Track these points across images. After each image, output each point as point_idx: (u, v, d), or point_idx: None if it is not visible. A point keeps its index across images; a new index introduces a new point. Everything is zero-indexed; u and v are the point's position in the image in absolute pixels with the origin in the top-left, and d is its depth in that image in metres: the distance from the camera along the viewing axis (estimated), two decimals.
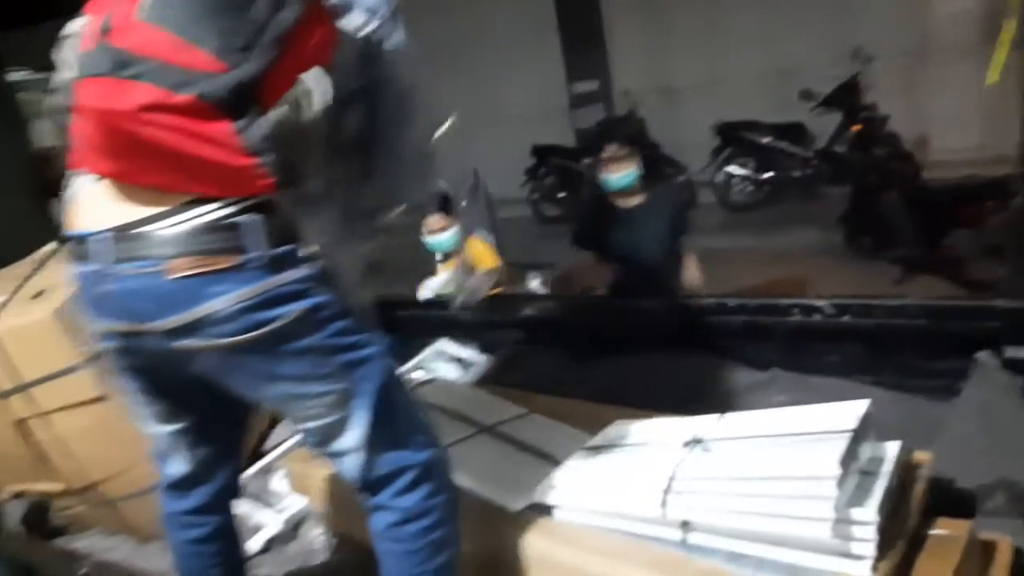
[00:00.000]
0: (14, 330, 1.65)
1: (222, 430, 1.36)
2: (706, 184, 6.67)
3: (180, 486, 1.36)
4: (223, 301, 1.04)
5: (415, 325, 2.75)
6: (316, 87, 1.03)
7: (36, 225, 1.98)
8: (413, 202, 1.43)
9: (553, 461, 1.57)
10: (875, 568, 1.13)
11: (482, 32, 7.79)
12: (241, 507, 1.88)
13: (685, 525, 1.29)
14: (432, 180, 1.45)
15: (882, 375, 1.91)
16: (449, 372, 2.48)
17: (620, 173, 2.72)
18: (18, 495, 2.00)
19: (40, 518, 2.00)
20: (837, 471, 1.14)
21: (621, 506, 1.35)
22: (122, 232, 1.06)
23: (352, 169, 1.20)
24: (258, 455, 2.07)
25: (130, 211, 1.06)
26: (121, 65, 0.97)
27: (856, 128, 5.81)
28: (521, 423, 1.77)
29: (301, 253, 1.09)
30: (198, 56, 0.97)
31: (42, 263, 2.01)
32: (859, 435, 1.24)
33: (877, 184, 4.91)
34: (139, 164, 1.04)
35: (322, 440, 1.19)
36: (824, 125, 6.14)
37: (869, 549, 1.14)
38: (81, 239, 1.11)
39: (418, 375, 2.38)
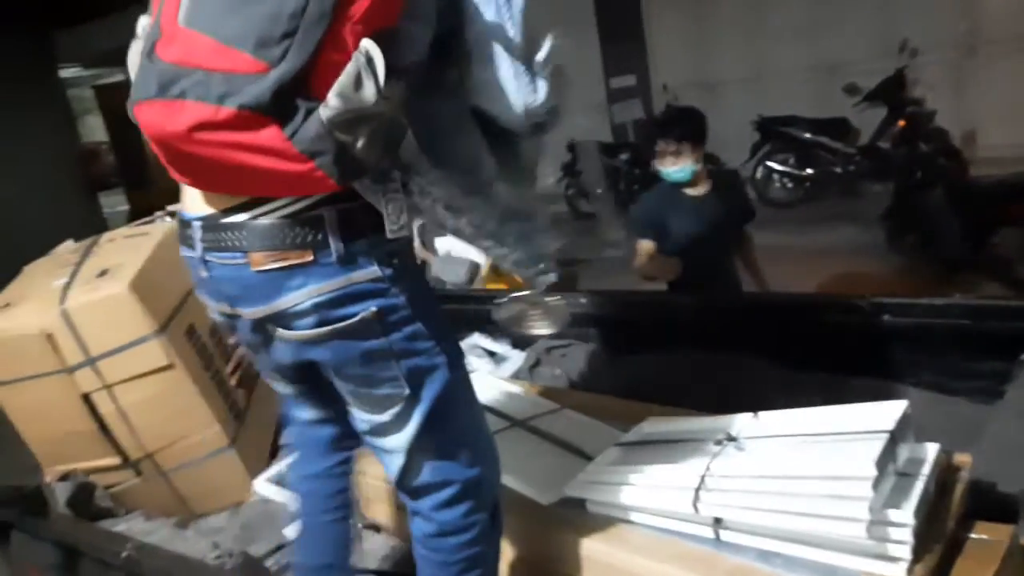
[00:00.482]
0: (87, 305, 1.75)
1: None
2: (745, 180, 6.58)
3: (301, 428, 1.41)
4: (298, 296, 1.05)
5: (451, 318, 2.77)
6: (376, 58, 0.91)
7: (84, 218, 2.05)
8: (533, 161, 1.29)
9: (585, 456, 1.57)
10: (911, 571, 1.12)
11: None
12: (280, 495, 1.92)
13: (717, 522, 1.28)
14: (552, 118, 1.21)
15: (923, 376, 1.88)
16: (482, 366, 2.49)
17: (676, 167, 2.69)
18: (64, 477, 2.07)
19: (85, 500, 2.06)
20: (872, 472, 1.12)
21: (653, 502, 1.35)
22: (209, 222, 1.08)
23: (445, 144, 1.16)
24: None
25: (215, 201, 1.08)
26: (167, 84, 0.93)
27: (901, 124, 5.69)
28: (553, 418, 1.77)
29: (377, 249, 1.06)
30: (237, 59, 0.91)
31: (89, 248, 2.07)
32: (896, 436, 1.22)
33: (922, 181, 4.81)
34: (205, 178, 1.04)
35: (371, 433, 1.18)
36: (869, 120, 6.02)
37: (905, 551, 1.12)
38: (185, 222, 1.14)
39: None
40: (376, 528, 1.77)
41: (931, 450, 1.28)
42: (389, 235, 1.06)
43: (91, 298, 1.74)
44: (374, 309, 1.06)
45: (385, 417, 1.14)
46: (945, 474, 1.29)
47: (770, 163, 6.51)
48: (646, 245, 2.79)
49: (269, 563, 1.76)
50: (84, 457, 1.94)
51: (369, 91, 0.92)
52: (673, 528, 1.33)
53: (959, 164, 5.26)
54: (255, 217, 1.04)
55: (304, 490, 1.45)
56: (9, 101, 7.90)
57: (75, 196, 8.31)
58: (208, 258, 1.10)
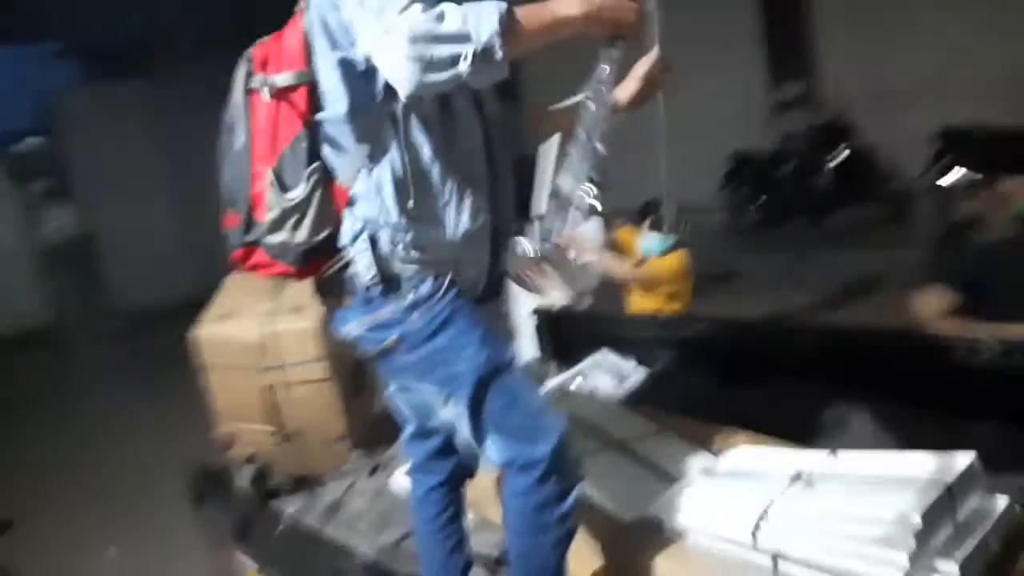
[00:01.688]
0: (289, 331, 2.48)
1: None
2: (924, 194, 6.16)
3: (418, 436, 1.62)
4: (352, 328, 1.43)
5: (581, 335, 2.94)
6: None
7: None
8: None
9: (671, 479, 1.70)
10: None
11: (679, 32, 7.61)
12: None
13: (777, 555, 1.37)
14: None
15: None
16: (606, 383, 2.64)
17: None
18: (250, 459, 2.50)
19: (262, 481, 2.47)
20: (916, 522, 1.18)
21: (720, 529, 1.46)
22: None
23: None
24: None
25: None
26: None
27: None
28: (651, 440, 1.90)
29: (400, 285, 1.34)
30: None
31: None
32: (956, 488, 1.25)
33: None
34: None
35: (451, 429, 1.46)
36: None
37: None
38: None
39: (577, 382, 2.58)
40: (490, 524, 1.98)
41: (1000, 503, 1.29)
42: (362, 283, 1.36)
43: (292, 327, 2.47)
44: (395, 336, 1.36)
45: (443, 411, 1.41)
46: (1015, 530, 1.29)
47: (953, 176, 6.03)
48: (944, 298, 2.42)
49: (402, 546, 2.03)
50: (253, 421, 2.57)
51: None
52: (736, 556, 1.43)
53: None
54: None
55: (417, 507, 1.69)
56: None
57: None
58: None
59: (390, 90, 1.22)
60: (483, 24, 1.13)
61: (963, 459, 1.31)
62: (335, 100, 1.30)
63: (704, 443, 1.87)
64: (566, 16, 1.21)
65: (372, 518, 2.20)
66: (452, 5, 1.15)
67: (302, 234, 1.36)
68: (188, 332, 2.57)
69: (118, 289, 9.08)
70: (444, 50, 1.12)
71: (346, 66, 1.28)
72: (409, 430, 1.66)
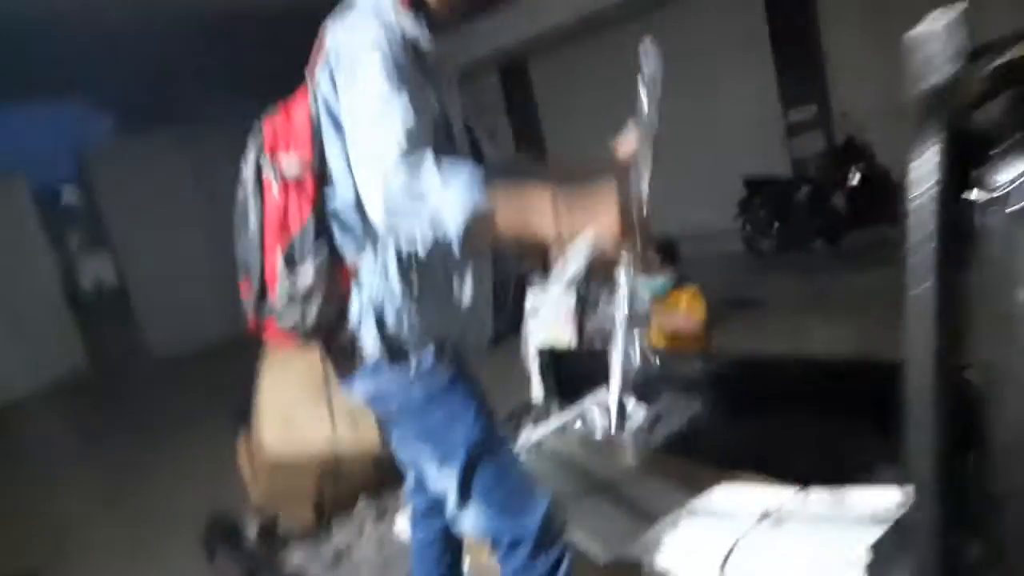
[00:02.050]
0: (353, 445, 2.63)
1: None
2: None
3: (421, 485, 1.67)
4: (359, 393, 1.49)
5: (579, 373, 2.98)
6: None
7: None
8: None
9: (650, 519, 1.73)
10: None
11: (689, 54, 7.18)
12: None
13: None
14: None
15: None
16: (604, 421, 2.67)
17: None
18: (258, 510, 2.58)
19: (271, 531, 2.55)
20: (868, 557, 1.20)
21: (691, 569, 1.49)
22: None
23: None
24: None
25: None
26: None
27: None
28: (635, 481, 1.94)
29: (405, 356, 1.38)
30: None
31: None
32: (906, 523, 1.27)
33: None
34: None
35: (432, 485, 1.50)
36: None
37: None
38: None
39: (576, 421, 2.62)
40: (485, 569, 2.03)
41: None
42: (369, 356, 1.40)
43: (355, 450, 2.59)
44: (399, 403, 1.44)
45: (434, 472, 1.45)
46: None
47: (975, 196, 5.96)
48: None
49: None
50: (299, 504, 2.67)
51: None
52: None
53: None
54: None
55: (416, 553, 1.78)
56: None
57: None
58: None
59: None
60: (449, 219, 1.15)
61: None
62: (343, 186, 1.34)
63: (687, 482, 1.89)
64: (537, 232, 1.20)
65: (375, 565, 2.26)
66: (433, 171, 1.16)
67: (311, 318, 1.38)
68: (240, 428, 2.70)
69: (151, 338, 9.31)
70: (410, 225, 1.18)
71: None
72: (411, 478, 1.74)
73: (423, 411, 1.42)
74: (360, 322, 1.39)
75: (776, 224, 7.19)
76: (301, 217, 1.35)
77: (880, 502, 1.38)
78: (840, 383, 2.26)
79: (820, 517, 1.43)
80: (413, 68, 1.27)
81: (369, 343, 1.38)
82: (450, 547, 1.76)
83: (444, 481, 1.44)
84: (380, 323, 1.37)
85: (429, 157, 1.17)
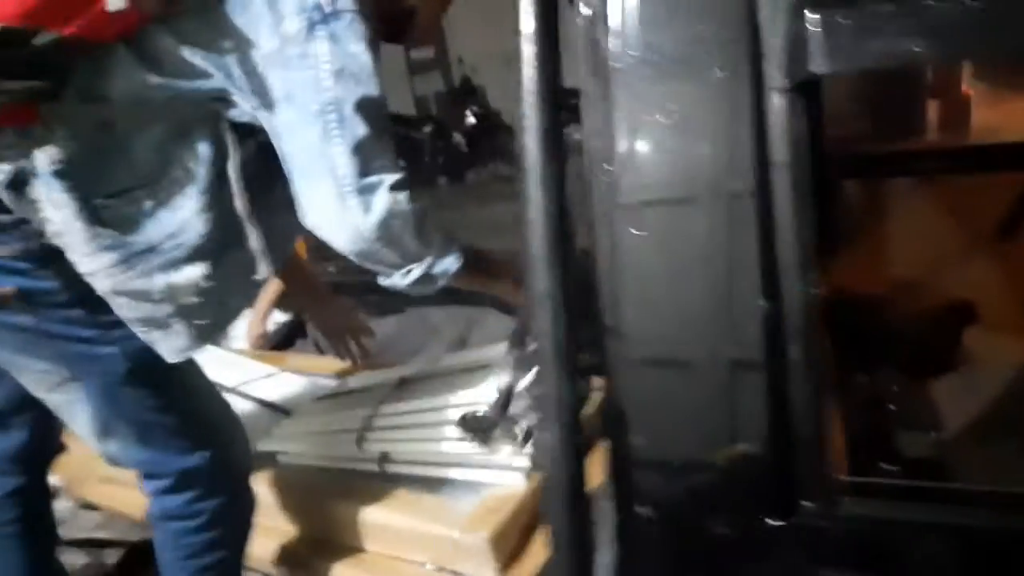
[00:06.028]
0: None
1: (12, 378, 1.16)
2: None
3: None
4: None
5: None
6: None
7: None
8: None
9: (285, 413, 1.65)
10: (528, 477, 1.30)
11: None
12: None
13: (384, 458, 1.40)
14: None
15: None
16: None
17: None
18: None
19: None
20: (493, 396, 1.28)
21: (329, 447, 1.46)
22: None
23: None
24: None
25: None
26: None
27: None
28: (267, 381, 1.83)
29: (21, 227, 0.96)
30: None
31: None
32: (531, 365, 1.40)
33: None
34: None
35: (62, 416, 1.15)
36: None
37: (524, 461, 1.30)
38: None
39: None
40: (91, 507, 1.76)
41: None
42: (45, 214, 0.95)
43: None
44: (10, 288, 0.99)
45: (55, 396, 1.10)
46: (582, 395, 1.48)
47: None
48: None
49: None
50: None
51: None
52: (348, 467, 1.44)
53: None
54: None
55: None
56: None
57: None
58: None
59: None
60: (444, 259, 1.07)
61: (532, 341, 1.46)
62: None
63: (327, 375, 1.85)
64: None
65: None
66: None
67: None
68: None
69: None
70: (393, 257, 1.03)
71: None
72: None
73: (56, 303, 1.03)
74: None
75: (402, 161, 7.39)
76: None
77: (488, 355, 1.48)
78: None
79: (446, 375, 1.48)
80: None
81: None
82: (36, 494, 1.34)
83: (61, 401, 1.11)
84: None
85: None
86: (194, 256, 1.01)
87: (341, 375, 1.83)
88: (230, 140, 1.02)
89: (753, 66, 0.64)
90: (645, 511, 0.74)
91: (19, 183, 0.93)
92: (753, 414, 0.67)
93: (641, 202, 0.69)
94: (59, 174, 0.93)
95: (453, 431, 1.31)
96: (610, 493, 0.78)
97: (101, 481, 1.69)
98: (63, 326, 1.03)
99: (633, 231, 0.69)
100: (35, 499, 1.32)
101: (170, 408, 1.10)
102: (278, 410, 1.68)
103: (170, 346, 1.04)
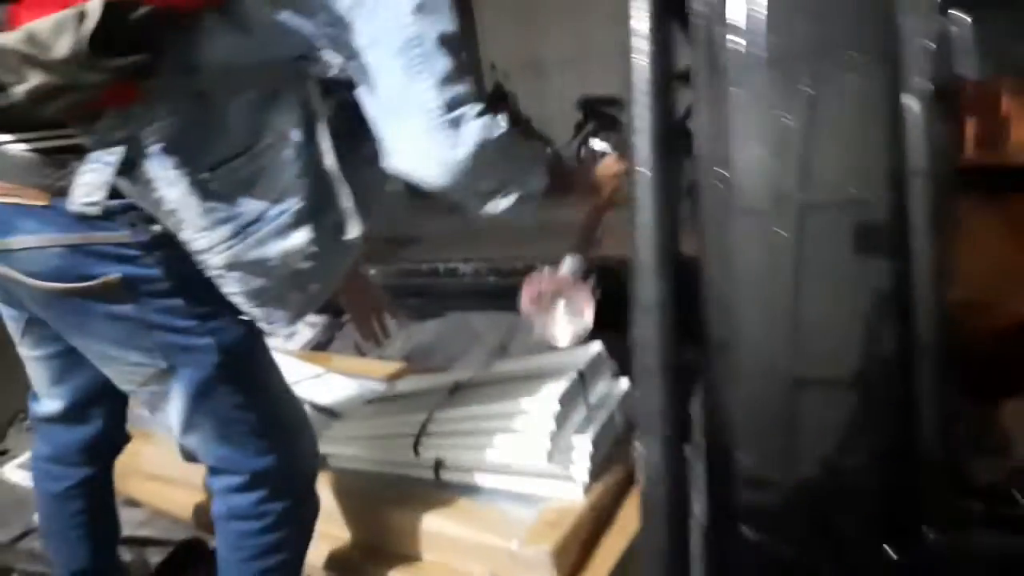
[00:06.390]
0: None
1: (94, 367, 1.12)
2: (571, 157, 6.86)
3: (46, 426, 1.25)
4: (30, 240, 0.95)
5: None
6: (91, 18, 0.79)
7: None
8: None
9: (334, 415, 1.63)
10: (588, 491, 1.26)
11: None
12: None
13: (439, 464, 1.38)
14: None
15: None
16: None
17: None
18: None
19: None
20: (555, 406, 1.26)
21: (383, 452, 1.43)
22: None
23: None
24: None
25: None
26: None
27: None
28: (313, 383, 1.81)
29: (134, 212, 0.94)
30: None
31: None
32: (587, 374, 1.37)
33: None
34: None
35: (149, 407, 1.12)
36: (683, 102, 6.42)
37: (584, 474, 1.27)
38: None
39: None
40: (133, 503, 1.75)
41: (623, 385, 1.43)
42: (69, 205, 0.91)
43: None
44: (117, 276, 0.96)
45: (149, 389, 1.06)
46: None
47: (592, 143, 6.79)
48: None
49: (18, 548, 1.71)
50: None
51: (62, 45, 0.80)
52: (402, 473, 1.41)
53: None
54: (4, 143, 0.93)
55: (47, 507, 1.32)
56: None
57: None
58: None
59: None
60: (536, 177, 1.09)
61: (592, 348, 1.43)
62: None
63: (372, 378, 1.83)
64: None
65: None
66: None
67: None
68: None
69: None
70: (489, 184, 1.04)
71: None
72: (52, 411, 1.26)
73: (157, 292, 1.01)
74: None
75: None
76: None
77: (551, 361, 1.45)
78: None
79: (503, 382, 1.46)
80: None
81: None
82: (103, 485, 1.35)
83: (149, 393, 1.07)
84: None
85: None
86: (300, 221, 1.00)
87: (388, 378, 1.81)
88: (316, 99, 1.01)
89: (889, 68, 0.61)
90: (749, 532, 0.70)
91: (130, 165, 0.91)
92: (878, 433, 0.64)
93: (761, 209, 0.65)
94: (167, 150, 0.92)
95: (511, 439, 1.29)
96: (704, 511, 0.75)
97: (146, 478, 1.68)
98: (163, 316, 1.00)
99: (751, 239, 0.66)
100: (102, 491, 1.32)
101: (252, 406, 1.09)
102: (327, 412, 1.66)
103: (282, 316, 1.04)
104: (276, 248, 0.99)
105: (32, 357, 1.21)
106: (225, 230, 0.95)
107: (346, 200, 1.03)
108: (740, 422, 0.69)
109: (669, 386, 0.71)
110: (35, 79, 0.81)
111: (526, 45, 7.48)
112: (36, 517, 1.72)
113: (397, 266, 2.81)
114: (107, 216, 0.93)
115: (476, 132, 0.97)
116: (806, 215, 0.64)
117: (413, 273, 2.76)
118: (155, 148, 0.91)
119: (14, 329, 1.18)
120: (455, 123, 0.97)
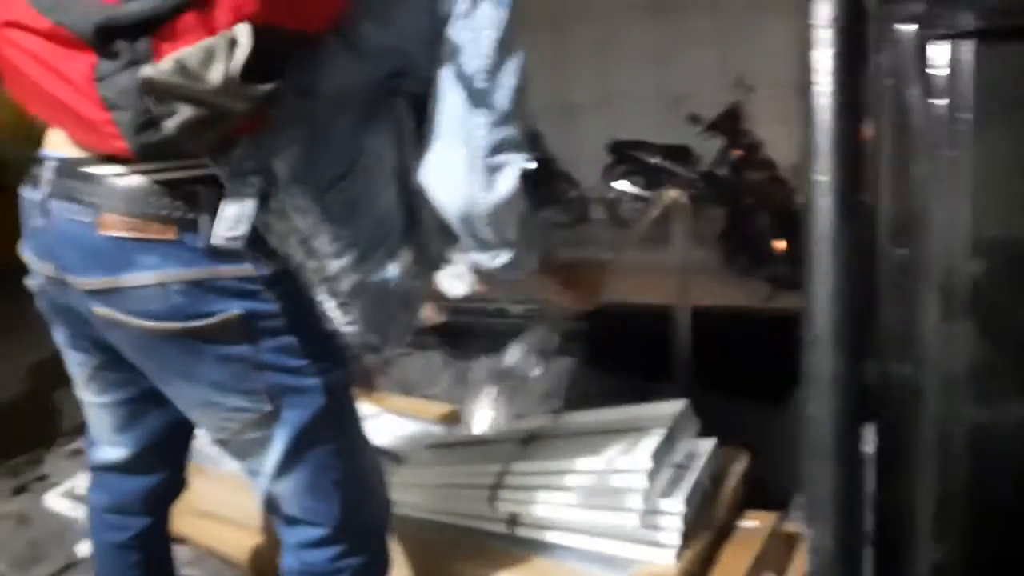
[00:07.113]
0: None
1: (165, 414, 1.09)
2: (598, 200, 6.87)
3: (106, 475, 1.18)
4: (149, 276, 0.89)
5: None
6: (242, 45, 0.77)
7: None
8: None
9: (397, 459, 1.58)
10: (679, 556, 1.20)
11: None
12: None
13: (513, 519, 1.32)
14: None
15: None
16: None
17: None
18: None
19: None
20: (648, 464, 1.20)
21: (454, 503, 1.38)
22: (66, 165, 0.91)
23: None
24: None
25: (83, 143, 0.90)
26: None
27: (737, 152, 6.12)
28: (371, 423, 1.76)
29: (258, 244, 0.90)
30: None
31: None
32: (674, 432, 1.31)
33: (751, 206, 5.19)
34: (15, 88, 0.87)
35: (238, 455, 1.05)
36: (708, 148, 6.44)
37: (675, 538, 1.21)
38: (40, 160, 0.96)
39: None
40: (180, 540, 1.68)
41: (707, 444, 1.38)
42: (213, 239, 0.88)
43: None
44: (240, 312, 0.91)
45: (237, 439, 1.00)
46: (721, 467, 1.39)
47: (620, 185, 6.81)
48: None
49: None
50: None
51: (215, 74, 0.77)
52: (473, 526, 1.35)
53: (784, 191, 5.71)
54: (122, 174, 0.88)
55: (105, 558, 1.22)
56: None
57: None
58: (51, 206, 0.92)
59: None
60: (531, 256, 1.05)
61: (676, 405, 1.38)
62: None
63: (426, 419, 1.78)
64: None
65: (20, 546, 1.76)
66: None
67: None
68: None
69: None
70: (491, 236, 0.98)
71: None
72: (114, 459, 1.17)
73: (273, 329, 0.97)
74: None
75: None
76: None
77: (632, 417, 1.40)
78: None
79: (581, 436, 1.40)
80: None
81: None
82: (162, 535, 1.25)
83: (246, 439, 1.01)
84: None
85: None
86: (404, 240, 0.99)
87: (445, 421, 1.76)
88: (405, 116, 0.99)
89: None
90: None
91: (264, 196, 0.89)
92: None
93: (957, 274, 0.62)
94: (294, 178, 0.89)
95: (598, 497, 1.23)
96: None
97: (198, 515, 1.62)
98: (275, 355, 0.95)
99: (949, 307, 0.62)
100: (160, 540, 1.24)
101: (345, 452, 1.04)
102: (388, 456, 1.60)
103: (393, 340, 1.03)
104: (393, 269, 0.98)
105: (97, 403, 1.12)
106: (353, 254, 0.93)
107: (430, 217, 1.01)
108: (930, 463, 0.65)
109: (844, 469, 0.67)
110: (185, 111, 0.77)
111: (556, 86, 7.54)
112: (77, 549, 1.67)
113: (444, 303, 2.78)
114: (233, 250, 0.88)
115: (511, 183, 0.95)
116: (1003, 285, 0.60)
117: (461, 311, 2.72)
118: (285, 176, 0.89)
119: (79, 374, 1.11)
120: (496, 168, 0.94)
